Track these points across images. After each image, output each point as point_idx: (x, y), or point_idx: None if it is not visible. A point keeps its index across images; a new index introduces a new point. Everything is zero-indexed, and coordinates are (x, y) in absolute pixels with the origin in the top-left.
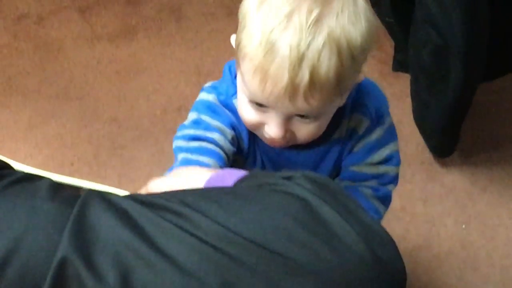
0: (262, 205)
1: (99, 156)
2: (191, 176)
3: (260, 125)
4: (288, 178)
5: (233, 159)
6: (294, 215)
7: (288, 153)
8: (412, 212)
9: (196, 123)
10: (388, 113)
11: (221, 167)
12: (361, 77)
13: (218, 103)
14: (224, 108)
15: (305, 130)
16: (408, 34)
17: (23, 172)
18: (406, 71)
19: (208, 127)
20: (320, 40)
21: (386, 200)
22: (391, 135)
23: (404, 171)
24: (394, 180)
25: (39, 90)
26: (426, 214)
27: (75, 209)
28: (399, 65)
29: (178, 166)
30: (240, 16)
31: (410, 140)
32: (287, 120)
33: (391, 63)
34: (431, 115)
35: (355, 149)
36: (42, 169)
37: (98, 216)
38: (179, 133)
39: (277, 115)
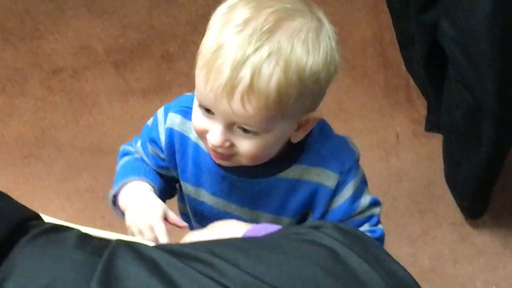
0: (290, 254)
1: None
2: (228, 231)
3: (205, 132)
4: (316, 228)
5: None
6: (322, 264)
7: (231, 178)
8: (442, 273)
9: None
10: (359, 166)
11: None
12: (316, 114)
13: (161, 114)
14: (161, 121)
15: (245, 145)
16: (441, 95)
17: (53, 223)
18: (439, 132)
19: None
20: (267, 49)
21: (383, 239)
22: (364, 182)
23: (435, 232)
24: (379, 218)
25: (72, 143)
26: (456, 275)
27: (103, 259)
28: (432, 125)
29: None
30: (208, 25)
31: (441, 200)
32: (229, 129)
33: (424, 123)
34: (463, 176)
35: (334, 205)
36: (73, 221)
37: (126, 266)
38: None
39: (219, 121)
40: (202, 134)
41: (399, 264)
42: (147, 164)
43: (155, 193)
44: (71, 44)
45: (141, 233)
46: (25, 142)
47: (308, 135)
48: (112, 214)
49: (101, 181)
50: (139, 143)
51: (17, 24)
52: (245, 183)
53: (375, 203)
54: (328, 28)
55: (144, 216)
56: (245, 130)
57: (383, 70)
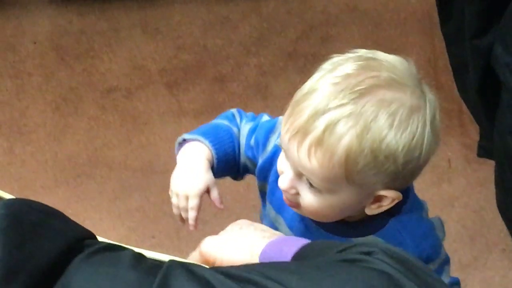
0: (344, 277)
1: (181, 231)
2: (247, 242)
3: (281, 174)
4: (367, 253)
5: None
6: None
7: (308, 222)
8: None
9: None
10: (440, 251)
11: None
12: (393, 195)
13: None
14: (275, 130)
15: (308, 199)
16: (494, 120)
17: (107, 242)
18: (491, 158)
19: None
20: (349, 108)
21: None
22: (443, 264)
23: (486, 258)
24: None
25: (124, 162)
26: None
27: (157, 278)
28: (484, 151)
29: (220, 117)
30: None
31: (492, 226)
32: (298, 178)
33: (476, 148)
34: None
35: None
36: (123, 241)
37: (181, 286)
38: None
39: (290, 168)
40: (280, 175)
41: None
42: (233, 139)
43: (214, 166)
44: (125, 64)
45: (176, 195)
46: (78, 161)
47: (395, 210)
48: (162, 233)
49: (152, 201)
50: (248, 126)
51: (72, 44)
52: (319, 233)
53: (454, 283)
54: (427, 113)
55: (187, 183)
56: (311, 185)
57: (436, 94)
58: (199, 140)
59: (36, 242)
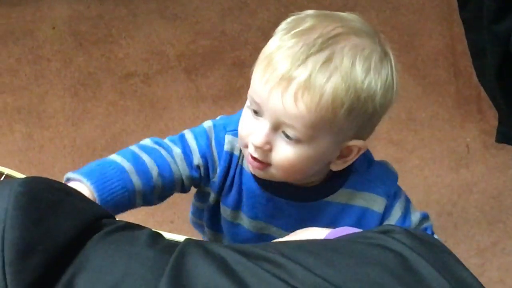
0: (359, 258)
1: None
2: (310, 233)
3: (249, 136)
4: (386, 232)
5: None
6: (390, 269)
7: (277, 201)
8: (510, 285)
9: (179, 137)
10: (399, 187)
11: (163, 176)
12: (360, 144)
13: (211, 131)
14: (211, 138)
15: (283, 152)
16: None
17: (124, 221)
18: (510, 143)
19: (177, 142)
20: (330, 52)
21: None
22: (408, 200)
23: (504, 243)
24: (432, 229)
25: None
26: None
27: (173, 256)
28: (503, 136)
29: (117, 153)
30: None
31: (510, 212)
32: (273, 132)
33: (494, 134)
34: None
35: None
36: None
37: (196, 264)
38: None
39: (266, 121)
40: (245, 139)
41: (467, 270)
42: (122, 177)
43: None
44: (143, 49)
45: None
46: (96, 146)
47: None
48: (180, 218)
49: None
50: (178, 150)
51: (90, 29)
52: (291, 207)
53: (424, 217)
54: (392, 59)
55: None
56: (288, 137)
57: (455, 80)
58: (80, 181)
59: (54, 220)
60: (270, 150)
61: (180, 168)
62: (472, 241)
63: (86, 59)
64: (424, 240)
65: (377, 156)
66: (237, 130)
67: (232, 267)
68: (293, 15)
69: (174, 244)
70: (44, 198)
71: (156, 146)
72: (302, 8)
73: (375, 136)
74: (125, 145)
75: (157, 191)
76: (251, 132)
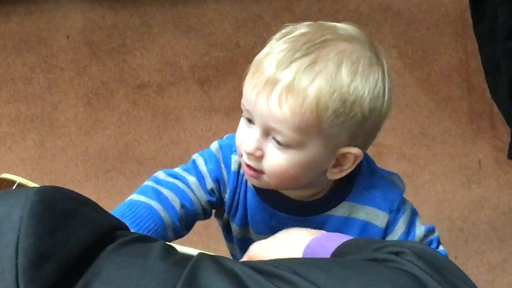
0: (371, 276)
1: (210, 227)
2: (292, 240)
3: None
4: (397, 254)
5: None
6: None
7: (279, 216)
8: None
9: (191, 164)
10: (406, 200)
11: (185, 206)
12: (355, 151)
13: (218, 153)
14: (219, 160)
15: (275, 159)
16: None
17: (138, 234)
18: None
19: (190, 170)
20: (315, 56)
21: None
22: (414, 213)
23: None
24: (438, 241)
25: (154, 158)
26: None
27: (186, 270)
28: None
29: (137, 191)
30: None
31: None
32: (264, 138)
33: (506, 150)
34: None
35: None
36: None
37: (209, 278)
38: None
39: (256, 128)
40: (240, 147)
41: None
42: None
43: None
44: (156, 60)
45: None
46: (108, 155)
47: (357, 172)
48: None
49: None
50: (193, 179)
51: (104, 39)
52: (294, 221)
53: (430, 230)
54: (385, 66)
55: None
56: (278, 142)
57: (468, 96)
58: None
59: (68, 230)
60: (262, 156)
61: (198, 195)
62: (483, 257)
63: (99, 68)
64: (432, 262)
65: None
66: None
67: (245, 283)
68: (289, 25)
69: (187, 257)
70: (59, 208)
71: (172, 179)
72: (316, 21)
73: (387, 150)
74: (138, 155)
75: (182, 222)
76: (244, 140)
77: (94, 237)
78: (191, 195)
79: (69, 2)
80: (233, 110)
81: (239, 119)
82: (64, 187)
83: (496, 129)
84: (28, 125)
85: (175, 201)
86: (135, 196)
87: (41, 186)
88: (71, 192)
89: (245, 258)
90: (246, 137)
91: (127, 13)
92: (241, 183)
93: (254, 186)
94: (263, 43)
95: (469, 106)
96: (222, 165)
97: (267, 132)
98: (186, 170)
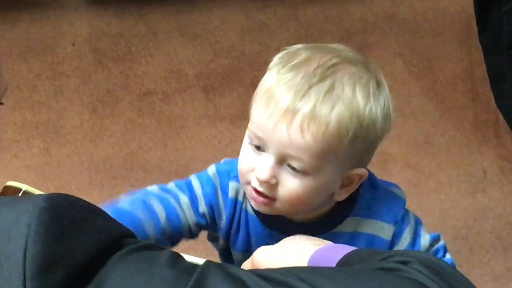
0: (377, 283)
1: None
2: (297, 248)
3: (250, 172)
4: (403, 263)
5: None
6: None
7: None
8: None
9: (186, 184)
10: (408, 210)
11: (171, 220)
12: (361, 172)
13: (216, 178)
14: (216, 186)
15: (291, 185)
16: None
17: (146, 241)
18: None
19: (184, 189)
20: (331, 81)
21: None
22: (418, 223)
23: None
24: (444, 249)
25: (159, 166)
26: None
27: (193, 277)
28: None
29: (126, 202)
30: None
31: None
32: (279, 165)
33: (511, 159)
34: None
35: None
36: None
37: (216, 285)
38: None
39: (270, 155)
40: (246, 175)
41: None
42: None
43: None
44: (162, 67)
45: None
46: (113, 163)
47: (359, 187)
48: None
49: None
50: (185, 198)
51: (110, 46)
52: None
53: (435, 239)
54: (386, 87)
55: None
56: (294, 169)
57: (473, 104)
58: None
59: (76, 237)
60: (276, 184)
61: (187, 215)
62: (487, 266)
63: (105, 76)
64: (437, 271)
65: (394, 179)
66: (235, 177)
67: None
68: (284, 49)
69: (194, 265)
70: (67, 215)
71: (164, 194)
72: (322, 30)
73: (391, 159)
74: (143, 163)
75: (165, 234)
76: (254, 167)
77: (102, 244)
78: (180, 213)
79: (75, 9)
80: (238, 118)
81: (244, 127)
82: (69, 194)
83: (501, 138)
84: (34, 132)
85: (161, 214)
86: (121, 204)
87: (49, 193)
88: (79, 200)
89: (248, 262)
90: (256, 165)
91: (133, 20)
92: (240, 210)
93: (255, 213)
94: (268, 51)
95: (474, 115)
96: (219, 192)
97: (282, 160)
98: (179, 187)
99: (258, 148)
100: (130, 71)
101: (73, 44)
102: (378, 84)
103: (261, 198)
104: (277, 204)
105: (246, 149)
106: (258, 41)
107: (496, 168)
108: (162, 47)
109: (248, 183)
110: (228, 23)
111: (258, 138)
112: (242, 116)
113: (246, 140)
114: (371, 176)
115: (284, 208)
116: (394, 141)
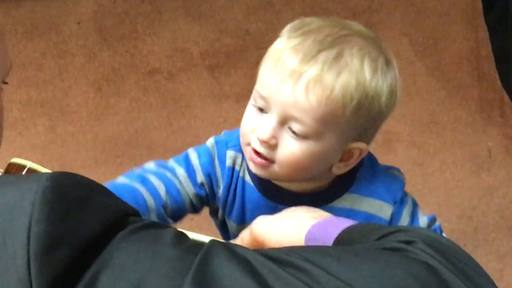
0: (383, 263)
1: None
2: (296, 220)
3: (252, 133)
4: (407, 243)
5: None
6: (415, 275)
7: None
8: None
9: (183, 157)
10: (406, 192)
11: (171, 194)
12: (362, 146)
13: (213, 148)
14: (213, 155)
15: (290, 148)
16: None
17: (150, 220)
18: None
19: (181, 162)
20: (341, 48)
21: None
22: (415, 205)
23: None
24: (440, 230)
25: (164, 144)
26: None
27: (198, 256)
28: None
29: (124, 176)
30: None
31: None
32: (280, 127)
33: None
34: None
35: None
36: None
37: (221, 264)
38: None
39: (272, 116)
40: (248, 135)
41: (487, 278)
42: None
43: None
44: (167, 46)
45: None
46: (118, 141)
47: (359, 165)
48: (200, 216)
49: None
50: (181, 170)
51: (115, 25)
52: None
53: (432, 220)
54: (395, 68)
55: None
56: (294, 133)
57: (478, 84)
58: None
59: (80, 216)
60: (276, 145)
61: (186, 187)
62: (492, 245)
63: (110, 54)
64: (442, 250)
65: (399, 158)
66: (238, 145)
67: (257, 270)
68: (298, 19)
69: (199, 244)
70: (71, 194)
71: (161, 169)
72: (327, 9)
73: (396, 138)
74: (148, 141)
75: (167, 209)
76: (255, 127)
77: (106, 223)
78: (178, 185)
79: None
80: (243, 97)
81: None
82: (74, 172)
83: (506, 118)
84: (39, 111)
85: (161, 188)
86: (119, 179)
87: (53, 172)
88: (83, 178)
89: (246, 232)
90: (258, 124)
91: None
92: (237, 179)
93: (253, 181)
94: (273, 30)
95: (479, 94)
96: (216, 161)
97: (284, 121)
98: (176, 161)
99: (261, 110)
100: (135, 50)
101: (78, 23)
102: (388, 62)
103: (259, 160)
104: (275, 168)
105: (249, 110)
106: (263, 20)
107: (501, 148)
108: (167, 26)
109: (249, 144)
110: (234, 2)
111: (262, 98)
112: (247, 95)
113: (250, 102)
114: (371, 156)
115: (282, 172)
116: (399, 120)
